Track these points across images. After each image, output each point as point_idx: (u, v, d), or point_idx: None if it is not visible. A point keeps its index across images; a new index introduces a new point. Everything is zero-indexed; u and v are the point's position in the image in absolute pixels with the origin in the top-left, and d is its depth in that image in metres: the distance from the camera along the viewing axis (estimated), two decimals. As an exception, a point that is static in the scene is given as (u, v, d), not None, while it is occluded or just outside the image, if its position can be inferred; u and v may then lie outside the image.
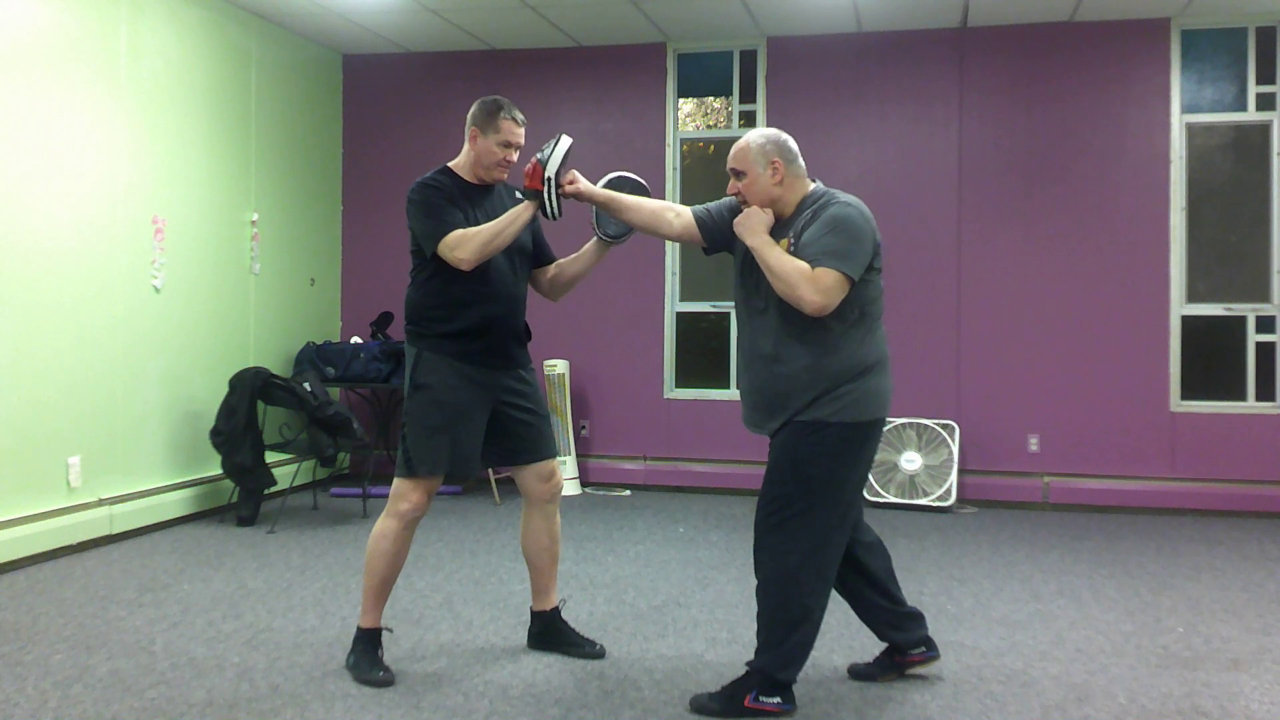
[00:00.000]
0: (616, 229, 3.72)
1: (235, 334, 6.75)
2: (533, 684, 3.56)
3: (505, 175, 3.70)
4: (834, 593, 3.47)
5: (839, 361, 3.25)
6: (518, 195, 3.72)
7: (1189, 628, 4.29)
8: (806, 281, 3.19)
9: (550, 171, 3.49)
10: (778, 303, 3.28)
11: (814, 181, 3.43)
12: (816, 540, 3.28)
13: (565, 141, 3.53)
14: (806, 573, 3.28)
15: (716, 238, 3.52)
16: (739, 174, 3.38)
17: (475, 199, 3.65)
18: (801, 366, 3.26)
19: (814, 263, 3.19)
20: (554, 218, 3.55)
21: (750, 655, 3.38)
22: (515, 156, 3.66)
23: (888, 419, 7.11)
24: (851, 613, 3.64)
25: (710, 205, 3.56)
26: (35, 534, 5.18)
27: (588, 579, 4.97)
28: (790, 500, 3.28)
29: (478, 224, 3.55)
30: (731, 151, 3.41)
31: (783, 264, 3.23)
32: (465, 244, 3.48)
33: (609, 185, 3.65)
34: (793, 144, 3.38)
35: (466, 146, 3.67)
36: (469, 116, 3.66)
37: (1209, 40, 6.90)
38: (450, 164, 3.72)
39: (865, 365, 3.29)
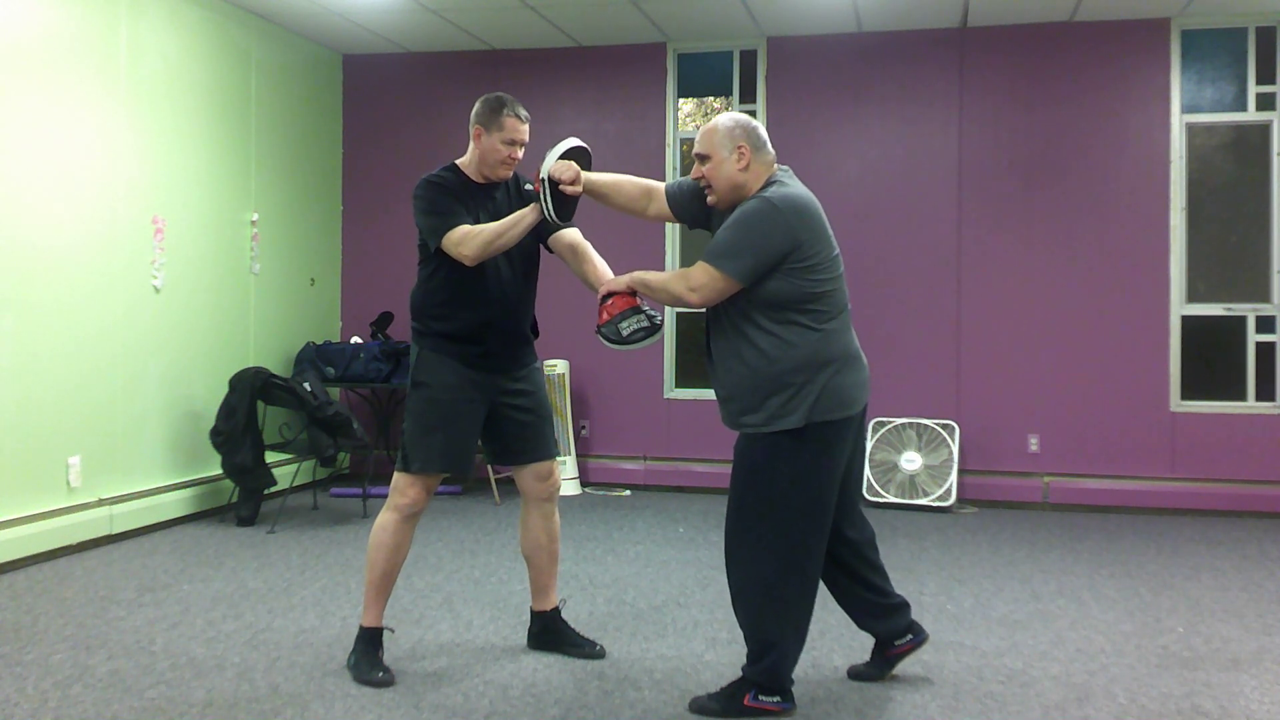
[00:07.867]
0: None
1: (235, 334, 6.75)
2: (533, 684, 3.56)
3: (509, 173, 3.69)
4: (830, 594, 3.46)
5: (778, 365, 3.14)
6: (526, 188, 3.72)
7: (1189, 628, 4.29)
8: (678, 280, 3.22)
9: (544, 171, 3.44)
10: (717, 309, 3.24)
11: (780, 167, 3.32)
12: (789, 548, 3.19)
13: (567, 142, 3.51)
14: (783, 584, 3.20)
15: (686, 210, 3.44)
16: (704, 158, 3.29)
17: (479, 198, 3.65)
18: (739, 373, 3.20)
19: (703, 257, 3.18)
20: (550, 220, 3.47)
21: (750, 655, 3.38)
22: (520, 154, 3.64)
23: (890, 419, 7.06)
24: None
25: (682, 179, 3.50)
26: (35, 534, 5.18)
27: (588, 579, 4.97)
28: (752, 509, 3.22)
29: (480, 223, 3.55)
30: (698, 135, 3.33)
31: (658, 278, 3.29)
32: (469, 240, 3.47)
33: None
34: (762, 131, 3.29)
35: (471, 145, 3.67)
36: (473, 114, 3.65)
37: (1209, 40, 6.90)
38: (458, 161, 3.72)
39: (812, 367, 3.14)
